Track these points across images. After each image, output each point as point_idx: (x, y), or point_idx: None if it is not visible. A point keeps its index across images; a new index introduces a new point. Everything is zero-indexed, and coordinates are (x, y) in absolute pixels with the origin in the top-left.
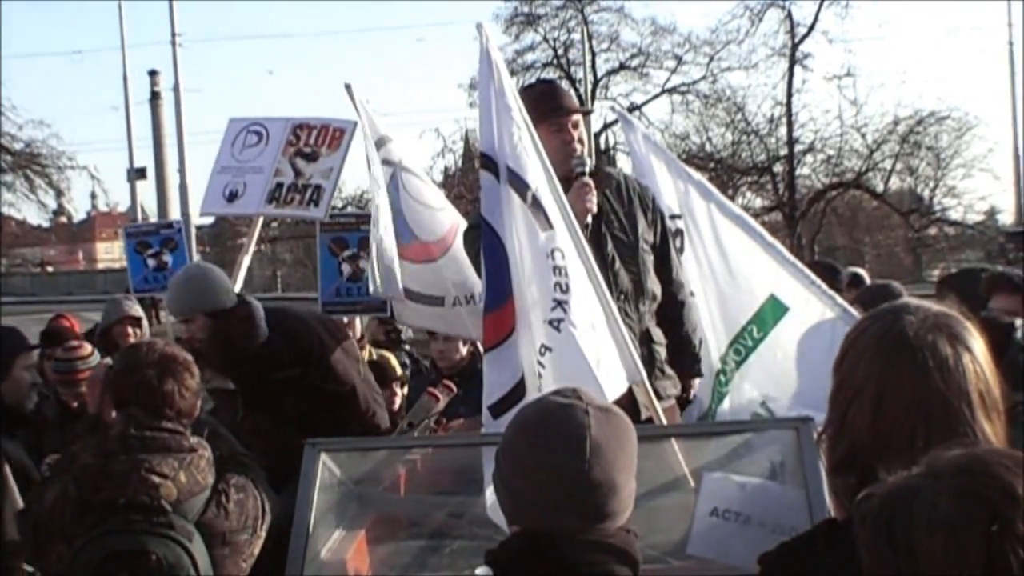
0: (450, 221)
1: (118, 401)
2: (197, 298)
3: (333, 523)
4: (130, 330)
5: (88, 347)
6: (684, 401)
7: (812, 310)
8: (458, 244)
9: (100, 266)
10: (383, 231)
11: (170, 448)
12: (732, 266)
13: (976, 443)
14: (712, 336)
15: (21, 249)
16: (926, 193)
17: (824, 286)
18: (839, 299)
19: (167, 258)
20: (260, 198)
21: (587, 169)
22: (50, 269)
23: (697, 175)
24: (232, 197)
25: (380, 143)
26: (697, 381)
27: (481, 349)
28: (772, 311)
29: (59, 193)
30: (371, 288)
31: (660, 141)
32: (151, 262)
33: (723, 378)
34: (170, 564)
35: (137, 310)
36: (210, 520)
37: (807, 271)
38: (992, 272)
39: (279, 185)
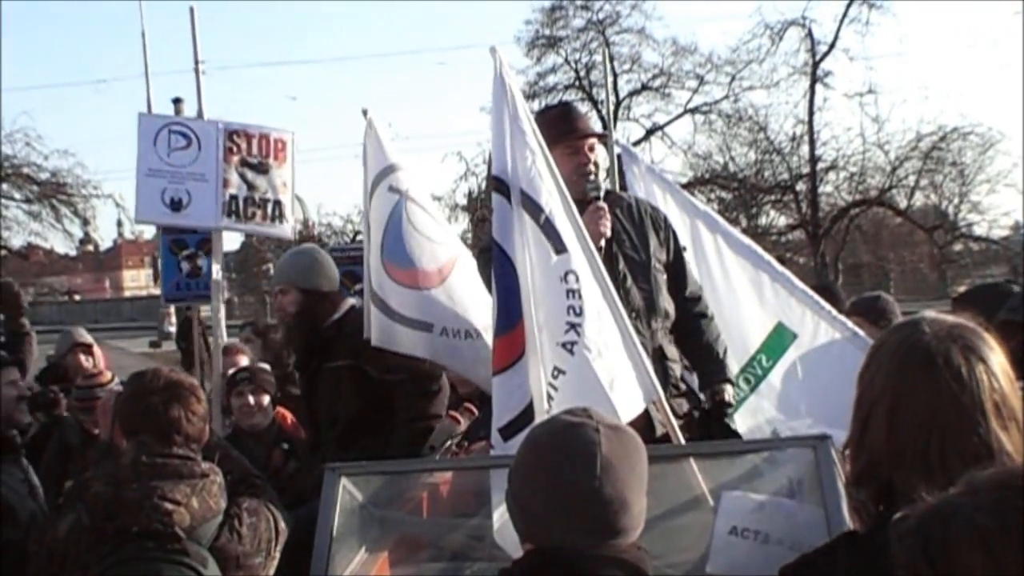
0: (448, 256)
1: (127, 429)
2: (297, 273)
3: (354, 546)
4: (81, 357)
5: (108, 374)
6: (719, 405)
7: (821, 335)
8: (452, 280)
9: (127, 294)
10: (373, 269)
11: (182, 474)
12: (739, 297)
13: (1004, 460)
14: None
15: (48, 278)
16: (950, 209)
17: (834, 311)
18: (849, 323)
19: (202, 263)
20: (215, 211)
21: (601, 193)
22: (77, 297)
23: (703, 206)
24: (176, 205)
25: (389, 170)
26: (729, 387)
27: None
28: (781, 339)
29: (85, 222)
30: (366, 335)
31: (670, 167)
32: (185, 266)
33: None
34: None
35: (86, 337)
36: (223, 544)
37: (817, 297)
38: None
39: (233, 198)
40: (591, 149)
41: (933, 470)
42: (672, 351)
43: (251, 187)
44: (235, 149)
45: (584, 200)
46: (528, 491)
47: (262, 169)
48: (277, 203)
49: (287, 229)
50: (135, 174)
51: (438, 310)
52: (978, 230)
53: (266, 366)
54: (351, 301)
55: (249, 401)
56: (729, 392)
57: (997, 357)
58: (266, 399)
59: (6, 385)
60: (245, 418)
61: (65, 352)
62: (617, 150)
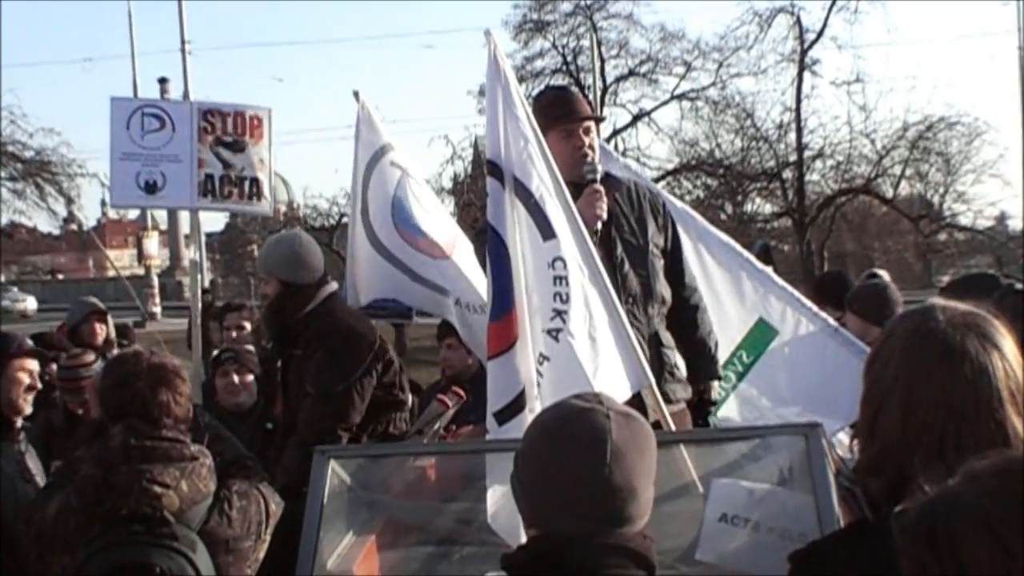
0: (451, 231)
1: (113, 414)
2: (275, 263)
3: (342, 529)
4: (97, 326)
5: (92, 354)
6: (704, 403)
7: (802, 331)
8: (458, 254)
9: (110, 273)
10: (358, 237)
11: (171, 457)
12: (720, 294)
13: (1020, 447)
14: None
15: (32, 257)
16: (936, 199)
17: (814, 307)
18: (830, 319)
19: None
20: (190, 191)
21: (598, 176)
22: (60, 276)
23: (680, 204)
24: (151, 188)
25: (389, 147)
26: (716, 383)
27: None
28: (763, 335)
29: (69, 201)
30: (348, 297)
31: (656, 154)
32: None
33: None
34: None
35: (101, 306)
36: (213, 528)
37: (796, 293)
38: None
39: (209, 177)
40: (586, 132)
41: (948, 459)
42: (668, 337)
43: (227, 166)
44: (209, 129)
45: (580, 183)
46: (535, 476)
47: (238, 147)
48: (254, 180)
49: (265, 206)
50: (109, 159)
51: (451, 280)
52: (963, 220)
53: (251, 347)
54: (329, 289)
55: (233, 380)
56: (715, 389)
57: (1009, 344)
58: (250, 378)
59: (19, 371)
60: (229, 397)
61: (81, 319)
62: (613, 125)
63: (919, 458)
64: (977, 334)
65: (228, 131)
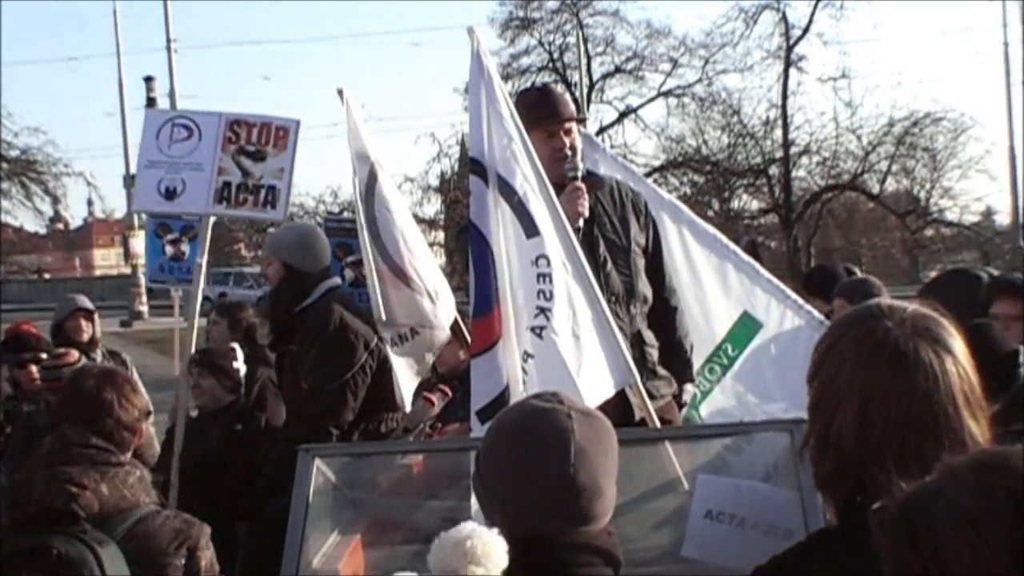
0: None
1: (60, 414)
2: (281, 246)
3: (327, 528)
4: (83, 323)
5: (75, 354)
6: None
7: (787, 324)
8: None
9: (97, 272)
10: (371, 246)
11: (94, 462)
12: (705, 287)
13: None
14: None
15: (18, 256)
16: (922, 194)
17: (800, 300)
18: (816, 312)
19: (185, 247)
20: (206, 197)
21: (579, 174)
22: (47, 276)
23: (668, 195)
24: (170, 194)
25: (379, 164)
26: (689, 386)
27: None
28: (747, 328)
29: (55, 200)
30: (375, 314)
31: (643, 150)
32: (169, 249)
33: (698, 396)
34: (71, 559)
35: (88, 303)
36: (141, 533)
37: (781, 285)
38: (995, 277)
39: (227, 184)
40: (567, 133)
41: (909, 466)
42: (649, 336)
43: (246, 174)
44: (233, 138)
45: (563, 183)
46: (500, 478)
47: (259, 156)
48: (271, 188)
49: (279, 214)
50: (136, 167)
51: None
52: (950, 215)
53: (234, 346)
54: (330, 283)
55: (197, 382)
56: (688, 393)
57: (959, 344)
58: (211, 380)
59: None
60: (196, 399)
61: (66, 316)
62: (599, 122)
63: (879, 468)
64: (929, 340)
65: (252, 140)
